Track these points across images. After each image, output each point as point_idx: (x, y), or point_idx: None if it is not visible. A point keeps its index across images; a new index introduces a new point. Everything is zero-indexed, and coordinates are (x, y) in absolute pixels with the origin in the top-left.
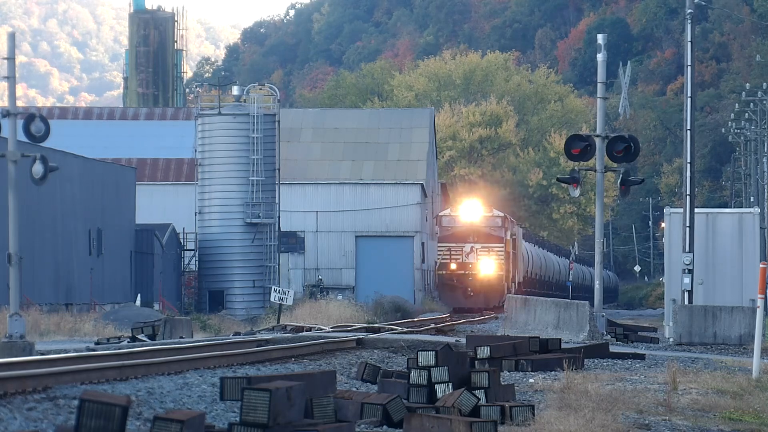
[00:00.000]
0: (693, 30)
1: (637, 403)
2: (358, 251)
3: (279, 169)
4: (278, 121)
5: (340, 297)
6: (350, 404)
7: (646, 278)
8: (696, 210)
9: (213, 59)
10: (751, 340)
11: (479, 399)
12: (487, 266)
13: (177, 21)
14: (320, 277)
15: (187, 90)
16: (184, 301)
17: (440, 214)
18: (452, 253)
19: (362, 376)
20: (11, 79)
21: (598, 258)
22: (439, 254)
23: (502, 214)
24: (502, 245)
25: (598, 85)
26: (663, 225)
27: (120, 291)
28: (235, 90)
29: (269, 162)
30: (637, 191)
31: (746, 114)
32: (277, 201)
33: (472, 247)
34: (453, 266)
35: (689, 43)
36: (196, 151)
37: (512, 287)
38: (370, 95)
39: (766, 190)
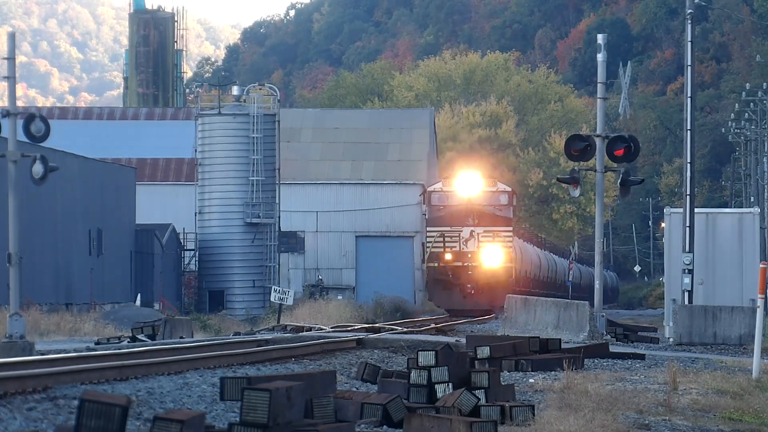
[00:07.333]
0: (693, 30)
1: (637, 403)
2: (358, 251)
3: (279, 169)
4: (278, 121)
5: (340, 297)
6: (350, 404)
7: (646, 278)
8: (696, 210)
9: (213, 59)
10: (751, 340)
11: (479, 399)
12: (491, 256)
13: (177, 21)
14: (320, 277)
15: (187, 90)
16: (184, 301)
17: (430, 189)
18: (446, 239)
19: (362, 376)
20: (11, 79)
21: (598, 258)
22: (429, 241)
23: (509, 189)
24: (510, 229)
25: (598, 85)
26: (663, 225)
27: (120, 291)
28: (235, 90)
29: (269, 162)
30: (637, 191)
31: (746, 114)
32: (277, 201)
33: (471, 231)
34: (447, 256)
35: (689, 43)
36: (196, 151)
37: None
38: (370, 95)
39: (766, 190)
